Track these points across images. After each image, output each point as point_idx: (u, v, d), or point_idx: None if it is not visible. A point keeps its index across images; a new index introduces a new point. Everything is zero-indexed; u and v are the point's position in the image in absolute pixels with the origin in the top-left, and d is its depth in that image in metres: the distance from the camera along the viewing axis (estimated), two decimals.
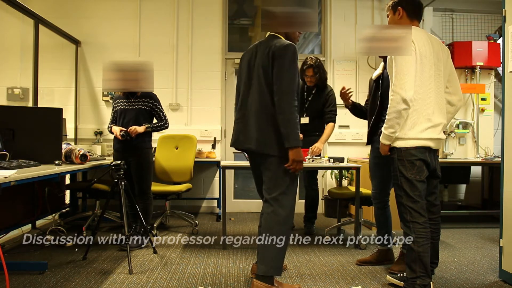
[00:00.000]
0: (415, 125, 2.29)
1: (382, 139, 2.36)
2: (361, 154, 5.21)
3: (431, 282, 2.44)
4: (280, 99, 2.28)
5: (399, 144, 2.32)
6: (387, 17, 2.56)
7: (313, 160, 3.71)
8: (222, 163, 3.74)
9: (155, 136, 5.08)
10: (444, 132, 2.44)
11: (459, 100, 2.52)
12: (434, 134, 2.32)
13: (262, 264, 2.35)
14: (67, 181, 4.54)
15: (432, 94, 2.33)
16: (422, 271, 2.25)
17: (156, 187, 4.19)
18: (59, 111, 3.10)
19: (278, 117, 2.29)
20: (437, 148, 2.40)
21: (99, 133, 5.08)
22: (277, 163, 2.36)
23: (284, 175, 2.37)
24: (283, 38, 2.43)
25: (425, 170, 2.32)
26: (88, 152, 3.34)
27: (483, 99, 5.07)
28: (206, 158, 4.79)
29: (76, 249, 3.41)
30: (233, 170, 5.29)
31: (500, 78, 5.08)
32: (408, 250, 2.31)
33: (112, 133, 3.59)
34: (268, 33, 2.51)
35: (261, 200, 2.53)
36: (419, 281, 2.25)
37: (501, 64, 2.96)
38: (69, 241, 3.53)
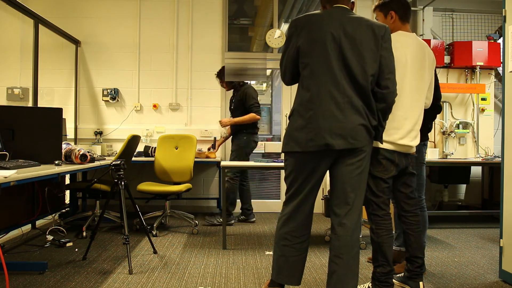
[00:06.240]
0: (386, 130, 2.29)
1: None
2: None
3: (420, 282, 2.47)
4: None
5: None
6: (376, 19, 2.54)
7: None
8: (222, 163, 3.74)
9: (155, 136, 5.12)
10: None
11: (427, 104, 2.58)
12: (402, 141, 2.34)
13: None
14: (67, 181, 4.54)
15: (408, 102, 2.35)
16: (383, 260, 2.34)
17: (156, 187, 4.19)
18: (59, 111, 3.10)
19: None
20: (406, 152, 2.41)
21: (99, 133, 5.07)
22: None
23: None
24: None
25: (392, 169, 2.35)
26: (88, 152, 3.33)
27: (483, 99, 5.08)
28: (206, 158, 4.79)
29: (76, 249, 3.41)
30: None
31: (500, 78, 5.08)
32: (371, 240, 2.41)
33: None
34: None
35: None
36: (379, 269, 2.35)
37: (501, 64, 2.96)
38: (69, 241, 3.53)
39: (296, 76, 2.15)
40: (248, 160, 4.45)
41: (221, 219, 4.43)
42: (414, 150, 2.47)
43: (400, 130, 2.33)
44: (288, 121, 2.17)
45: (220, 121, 4.67)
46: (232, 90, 4.66)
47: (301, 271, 2.22)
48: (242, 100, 4.47)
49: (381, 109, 2.09)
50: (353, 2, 2.19)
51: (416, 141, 2.42)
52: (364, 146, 2.06)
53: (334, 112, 2.00)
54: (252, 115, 4.43)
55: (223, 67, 4.66)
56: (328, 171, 2.18)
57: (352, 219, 2.09)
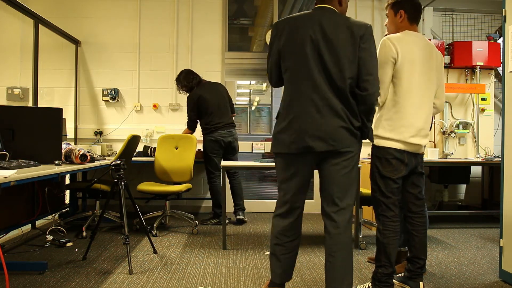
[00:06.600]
0: (395, 128, 2.31)
1: None
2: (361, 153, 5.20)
3: (421, 282, 2.47)
4: None
5: (378, 142, 2.38)
6: (386, 16, 2.56)
7: None
8: (222, 163, 3.74)
9: (155, 136, 5.13)
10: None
11: (441, 104, 2.56)
12: (412, 140, 2.34)
13: None
14: (67, 181, 4.54)
15: (417, 99, 2.34)
16: (386, 261, 2.35)
17: (156, 187, 4.19)
18: (59, 111, 3.10)
19: None
20: (416, 152, 2.40)
21: (99, 133, 5.08)
22: None
23: None
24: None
25: (402, 169, 2.35)
26: (88, 152, 3.33)
27: (483, 99, 5.07)
28: None
29: (76, 249, 3.41)
30: None
31: (500, 78, 5.08)
32: (376, 240, 2.41)
33: None
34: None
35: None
36: (381, 270, 2.36)
37: (501, 64, 2.96)
38: (69, 241, 3.53)
39: (281, 79, 2.18)
40: (217, 160, 4.44)
41: (214, 221, 4.51)
42: (423, 149, 2.46)
43: (410, 128, 2.32)
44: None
45: None
46: None
47: (292, 268, 2.29)
48: None
49: (362, 111, 2.09)
50: (340, 2, 2.15)
51: (426, 140, 2.41)
52: (348, 146, 2.07)
53: (314, 115, 2.03)
54: (185, 129, 4.63)
55: (181, 72, 4.60)
56: (318, 172, 2.21)
57: (343, 218, 2.11)
